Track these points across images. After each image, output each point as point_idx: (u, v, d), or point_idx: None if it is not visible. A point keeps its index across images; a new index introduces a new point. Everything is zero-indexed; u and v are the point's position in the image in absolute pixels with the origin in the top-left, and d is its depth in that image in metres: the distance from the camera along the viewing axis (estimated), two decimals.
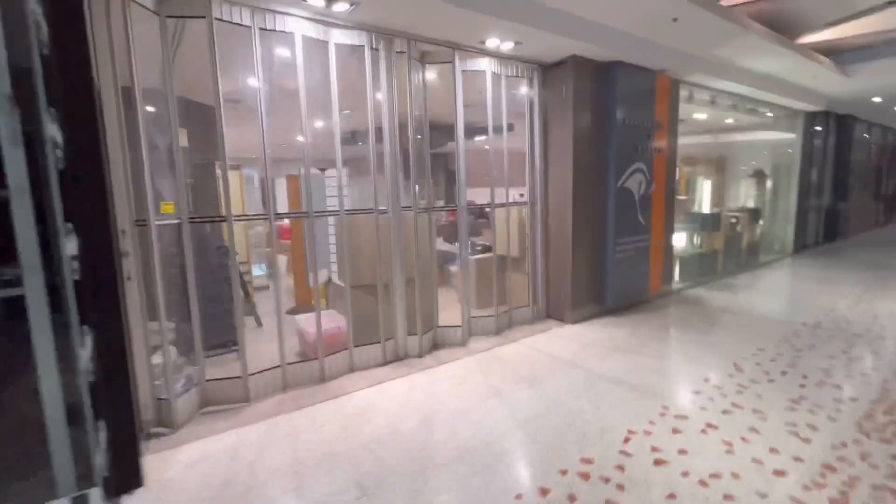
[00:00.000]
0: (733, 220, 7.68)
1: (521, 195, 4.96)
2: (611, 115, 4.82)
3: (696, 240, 7.22)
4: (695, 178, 9.45)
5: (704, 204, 9.64)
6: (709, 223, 6.98)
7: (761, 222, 8.88)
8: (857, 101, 8.87)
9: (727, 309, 5.35)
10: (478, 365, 3.87)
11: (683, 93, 6.16)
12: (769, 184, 9.16)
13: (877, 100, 8.74)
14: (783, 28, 5.74)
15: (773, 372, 3.56)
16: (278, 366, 3.41)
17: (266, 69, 3.19)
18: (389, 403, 3.21)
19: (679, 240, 7.45)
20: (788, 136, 8.87)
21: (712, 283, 6.79)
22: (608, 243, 5.02)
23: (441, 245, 6.68)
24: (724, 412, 2.96)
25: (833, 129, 10.56)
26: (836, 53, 6.87)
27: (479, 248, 5.86)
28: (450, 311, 4.62)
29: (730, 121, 8.92)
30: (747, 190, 9.39)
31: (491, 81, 4.32)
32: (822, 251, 9.49)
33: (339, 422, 2.98)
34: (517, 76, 4.59)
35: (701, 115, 8.25)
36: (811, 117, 8.97)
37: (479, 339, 4.51)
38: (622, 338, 4.44)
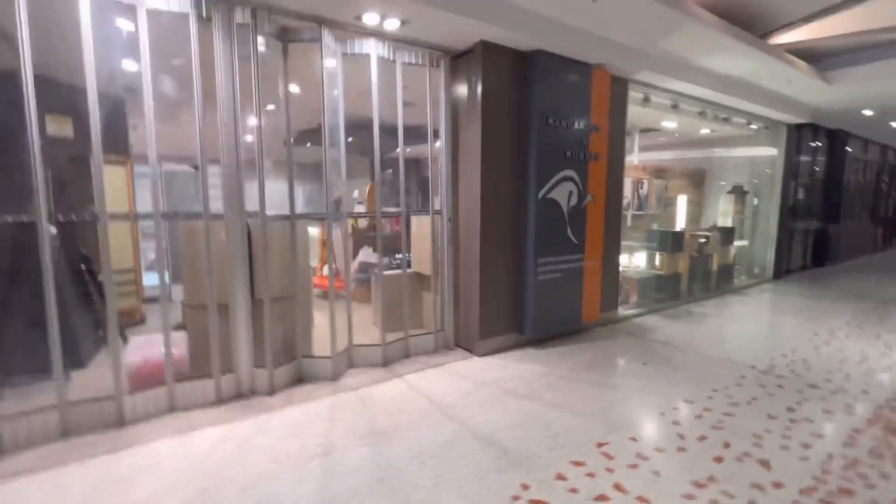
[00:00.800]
0: (702, 240, 6.92)
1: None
2: (532, 114, 4.13)
3: (658, 260, 6.46)
4: (670, 192, 8.71)
5: (680, 221, 8.89)
6: (668, 242, 6.23)
7: (737, 243, 8.10)
8: (847, 114, 8.12)
9: (672, 343, 4.58)
10: (332, 409, 3.15)
11: (636, 94, 5.47)
12: (749, 202, 8.39)
13: (868, 113, 7.99)
14: (750, 24, 5.05)
15: (690, 436, 2.80)
16: (54, 406, 2.70)
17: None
18: (178, 463, 2.49)
19: (638, 260, 6.71)
20: (770, 151, 8.11)
21: (670, 309, 6.01)
22: (528, 263, 4.29)
23: (370, 257, 5.98)
24: (597, 499, 2.21)
25: (823, 145, 9.79)
26: (817, 59, 6.15)
27: (398, 263, 5.15)
28: (361, 335, 3.91)
29: (706, 131, 8.20)
30: (725, 207, 8.62)
31: (378, 68, 3.65)
32: (808, 277, 8.67)
33: (84, 491, 2.26)
34: (417, 64, 3.91)
35: (670, 123, 7.55)
36: (795, 130, 8.22)
37: (360, 372, 3.79)
38: (530, 377, 3.70)
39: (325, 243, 6.13)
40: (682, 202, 8.55)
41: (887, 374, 3.78)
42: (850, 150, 10.78)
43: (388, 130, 4.01)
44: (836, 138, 9.83)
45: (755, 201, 8.30)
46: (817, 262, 9.90)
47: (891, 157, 12.86)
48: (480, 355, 4.17)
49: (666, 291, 6.30)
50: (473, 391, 3.44)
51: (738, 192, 8.39)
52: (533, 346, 4.45)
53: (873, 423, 2.95)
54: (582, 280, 4.66)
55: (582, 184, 4.50)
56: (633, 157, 8.59)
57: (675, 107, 6.02)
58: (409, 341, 4.14)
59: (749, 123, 7.41)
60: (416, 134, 4.16)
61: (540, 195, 4.18)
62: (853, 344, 4.57)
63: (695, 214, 8.94)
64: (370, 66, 3.62)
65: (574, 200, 4.46)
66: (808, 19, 5.06)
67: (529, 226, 4.24)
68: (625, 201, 7.99)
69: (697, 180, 9.07)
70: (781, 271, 8.46)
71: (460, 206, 4.22)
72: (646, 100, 5.62)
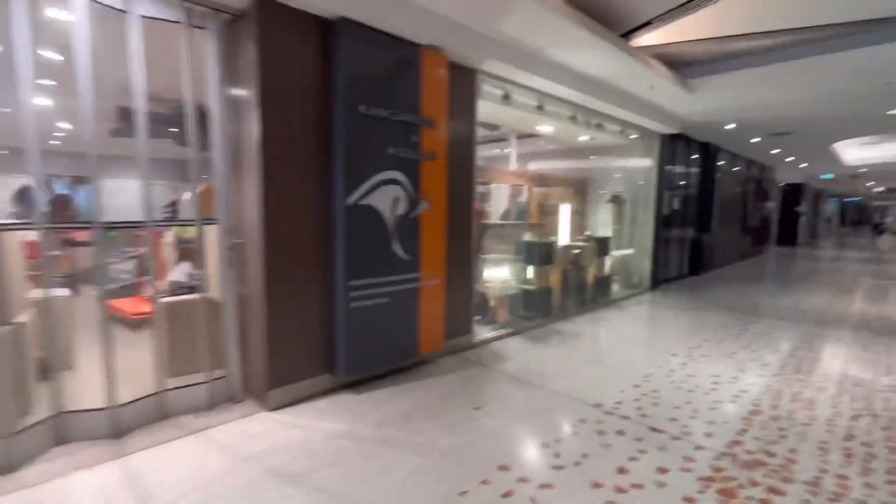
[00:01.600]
0: (576, 252, 6.54)
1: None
2: (337, 100, 3.27)
3: (531, 274, 5.93)
4: (552, 200, 8.37)
5: (563, 230, 8.58)
6: (536, 255, 5.71)
7: (617, 253, 7.93)
8: (713, 127, 8.32)
9: (521, 376, 3.94)
10: None
11: (492, 89, 4.86)
12: (628, 211, 8.29)
13: (730, 127, 8.24)
14: (607, 21, 4.64)
15: None
16: None
17: None
18: None
19: (505, 275, 6.13)
20: (645, 161, 8.07)
21: (538, 329, 5.47)
22: (337, 287, 3.41)
23: (183, 275, 4.75)
24: None
25: (696, 158, 10.13)
26: (679, 67, 6.02)
27: (186, 287, 4.01)
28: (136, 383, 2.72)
29: (585, 139, 7.96)
30: (604, 217, 8.48)
31: (89, 19, 2.56)
32: (684, 286, 8.78)
33: None
34: (168, 21, 2.88)
35: (546, 128, 7.15)
36: (669, 141, 8.28)
37: (66, 453, 2.63)
38: (320, 441, 2.79)
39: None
40: (565, 211, 8.26)
41: (732, 407, 3.39)
42: (721, 162, 11.39)
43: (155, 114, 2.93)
44: (707, 151, 10.24)
45: (630, 211, 8.21)
46: (693, 270, 10.20)
47: (755, 170, 13.94)
48: (272, 409, 3.20)
49: (536, 308, 5.77)
50: (221, 475, 2.45)
51: (617, 202, 8.26)
52: (350, 389, 3.56)
53: (708, 485, 2.41)
54: (417, 303, 3.87)
55: (413, 188, 3.72)
56: (511, 163, 8.16)
57: (540, 108, 5.53)
58: (168, 396, 3.05)
59: (623, 131, 7.24)
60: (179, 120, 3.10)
61: (350, 201, 3.32)
62: (707, 366, 4.24)
63: (578, 224, 8.72)
64: (76, 16, 2.52)
65: (402, 208, 3.66)
66: (664, 19, 4.77)
67: (337, 240, 3.36)
68: (500, 210, 7.51)
69: (580, 189, 8.88)
70: (658, 281, 8.46)
71: (245, 216, 3.23)
72: (505, 97, 5.04)
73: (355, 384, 3.63)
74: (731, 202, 12.56)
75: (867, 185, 28.03)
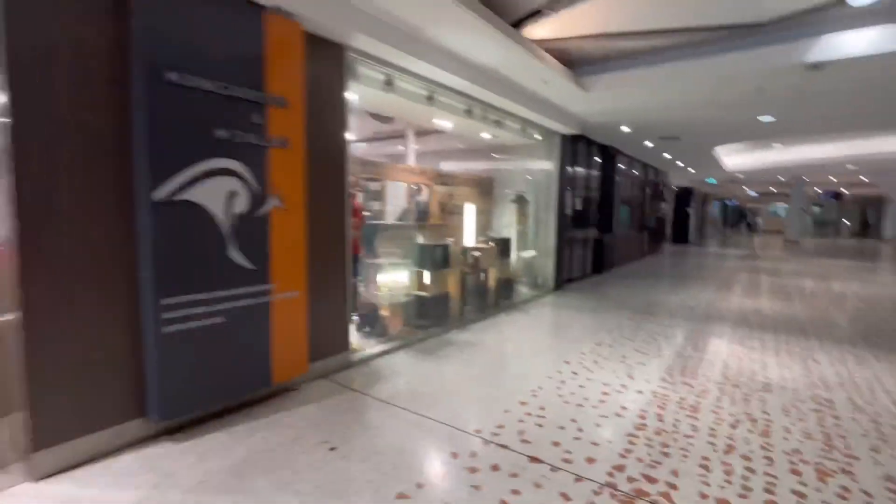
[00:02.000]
0: (476, 254, 6.20)
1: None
2: (136, 63, 2.51)
3: (423, 280, 5.45)
4: (456, 200, 8.01)
5: (468, 231, 8.25)
6: (431, 258, 5.25)
7: (523, 254, 7.76)
8: (609, 129, 8.49)
9: (398, 401, 3.41)
10: None
11: (371, 72, 4.30)
12: (532, 212, 8.17)
13: (626, 130, 8.46)
14: (494, 3, 4.29)
15: None
16: None
17: None
18: None
19: (399, 281, 5.61)
20: (548, 161, 8.00)
21: (431, 339, 5.01)
22: (145, 306, 2.64)
23: None
24: None
25: (597, 160, 10.39)
26: (575, 65, 5.91)
27: None
28: None
29: (487, 137, 7.70)
30: (508, 218, 8.31)
31: None
32: (587, 285, 8.88)
33: None
34: None
35: (444, 123, 6.75)
36: (570, 142, 8.30)
37: None
38: None
39: None
40: (469, 212, 7.94)
41: (618, 423, 3.14)
42: (621, 166, 11.88)
43: None
44: (607, 154, 10.56)
45: (534, 211, 8.10)
46: (596, 269, 10.45)
47: (651, 174, 14.85)
48: (40, 478, 2.35)
49: (432, 316, 5.31)
50: None
51: (521, 202, 8.12)
52: (171, 437, 2.79)
53: None
54: (268, 321, 3.19)
55: (257, 181, 3.04)
56: (410, 160, 7.68)
57: (431, 98, 5.08)
58: None
59: (524, 130, 7.05)
60: None
61: (160, 196, 2.57)
62: (598, 374, 4.03)
63: (483, 225, 8.46)
64: None
65: (242, 206, 2.97)
66: (553, 6, 4.52)
67: (142, 247, 2.59)
68: (398, 210, 7.03)
69: (485, 189, 8.65)
70: (562, 281, 8.46)
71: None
72: (388, 83, 4.51)
73: (180, 429, 2.86)
74: (631, 203, 13.20)
75: (742, 188, 31.63)
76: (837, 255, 16.63)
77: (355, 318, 5.04)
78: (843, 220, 35.54)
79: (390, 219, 6.63)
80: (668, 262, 13.85)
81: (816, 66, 4.57)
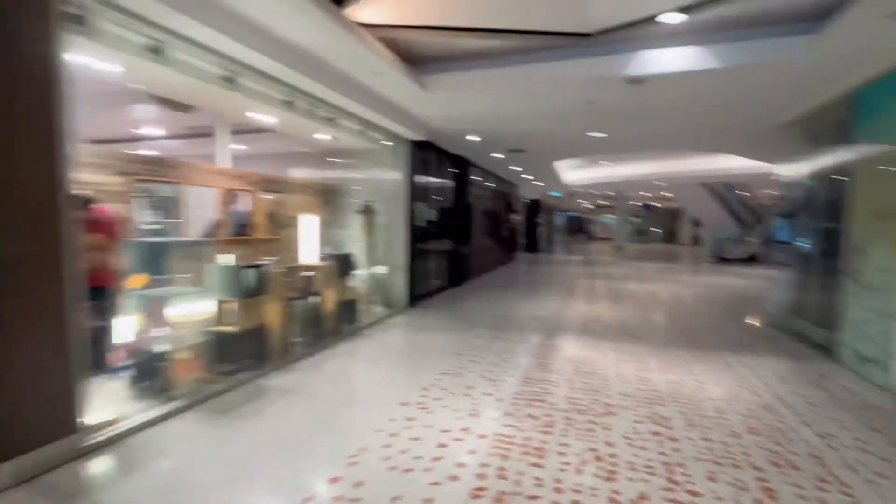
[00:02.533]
0: (308, 274, 5.20)
1: None
2: None
3: (231, 311, 4.26)
4: (290, 210, 6.87)
5: (307, 248, 7.14)
6: (235, 283, 4.12)
7: (363, 272, 6.95)
8: (459, 137, 8.24)
9: None
10: None
11: (125, 32, 3.09)
12: (381, 223, 7.45)
13: (474, 138, 8.31)
14: None
15: None
16: None
17: None
18: None
19: (200, 312, 4.34)
20: (396, 169, 7.38)
21: (240, 387, 3.87)
22: None
23: None
24: None
25: (451, 170, 10.18)
26: (416, 62, 5.36)
27: None
28: None
29: (325, 138, 6.76)
30: (354, 231, 7.47)
31: None
32: (443, 300, 8.45)
33: None
34: None
35: (266, 118, 5.63)
36: (420, 150, 7.82)
37: None
38: None
39: None
40: (307, 224, 6.86)
41: (449, 494, 2.49)
42: (476, 177, 11.95)
43: None
44: (461, 164, 10.43)
45: (384, 223, 7.40)
46: (453, 282, 10.19)
47: (504, 186, 15.46)
48: None
49: (242, 357, 4.16)
50: None
51: (368, 213, 7.34)
52: None
53: None
54: None
55: None
56: (224, 161, 6.37)
57: (230, 80, 3.98)
58: None
59: (365, 132, 6.29)
60: None
61: None
62: (439, 416, 3.39)
63: (326, 238, 7.46)
64: None
65: None
66: None
67: None
68: (205, 221, 5.69)
69: (330, 198, 7.68)
70: (416, 297, 7.88)
71: None
72: (156, 50, 3.32)
73: None
74: (486, 214, 13.44)
75: (580, 201, 35.80)
76: (653, 259, 19.45)
77: (123, 370, 3.69)
78: (656, 228, 42.71)
79: (194, 234, 5.24)
80: (521, 270, 14.46)
81: (636, 81, 4.71)
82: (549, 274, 13.28)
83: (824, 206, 5.40)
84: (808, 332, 5.52)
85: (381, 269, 7.24)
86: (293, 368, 4.46)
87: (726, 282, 11.76)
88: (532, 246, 24.49)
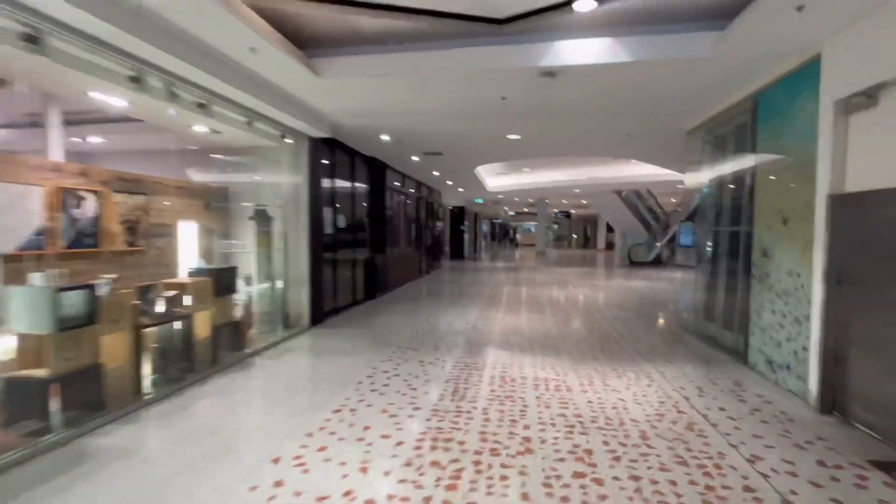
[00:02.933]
0: (167, 296, 4.20)
1: None
2: None
3: (52, 346, 3.18)
4: (162, 216, 5.74)
5: (185, 260, 6.04)
6: (46, 312, 3.08)
7: (253, 288, 6.00)
8: (367, 135, 7.54)
9: None
10: None
11: None
12: (279, 231, 6.52)
13: (386, 138, 7.67)
14: None
15: None
16: None
17: None
18: None
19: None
20: (297, 169, 6.50)
21: (53, 451, 2.83)
22: None
23: None
24: None
25: (365, 173, 9.44)
26: (309, 45, 4.60)
27: None
28: None
29: (203, 130, 5.73)
30: (244, 240, 6.47)
31: None
32: (355, 315, 7.65)
33: None
34: None
35: (114, 99, 4.55)
36: (328, 151, 7.01)
37: None
38: None
39: None
40: (189, 232, 5.77)
41: None
42: (396, 183, 11.29)
43: None
44: (375, 167, 9.72)
45: (283, 231, 6.48)
46: (369, 294, 9.41)
47: (425, 192, 14.95)
48: None
49: (64, 408, 3.11)
50: None
51: (262, 219, 6.38)
52: None
53: None
54: None
55: None
56: (55, 151, 5.14)
57: (33, 39, 2.97)
58: None
59: (251, 123, 5.37)
60: None
61: None
62: (317, 475, 2.65)
63: (207, 249, 6.37)
64: None
65: None
66: None
67: None
68: (29, 227, 4.43)
69: (217, 202, 6.60)
70: (323, 314, 7.01)
71: None
72: None
73: None
74: (408, 221, 12.81)
75: (505, 209, 36.51)
76: (572, 264, 20.04)
77: None
78: (574, 234, 44.85)
79: (10, 244, 4.02)
80: (445, 278, 14.00)
81: (549, 73, 4.35)
82: (473, 282, 12.95)
83: (730, 211, 5.45)
84: (718, 336, 5.53)
85: (274, 285, 6.30)
86: (139, 417, 3.46)
87: (638, 285, 12.17)
88: (458, 253, 24.30)
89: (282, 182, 6.53)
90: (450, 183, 14.59)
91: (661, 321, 7.31)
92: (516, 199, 28.90)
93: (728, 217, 5.50)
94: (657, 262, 19.17)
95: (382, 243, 10.18)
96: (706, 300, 5.98)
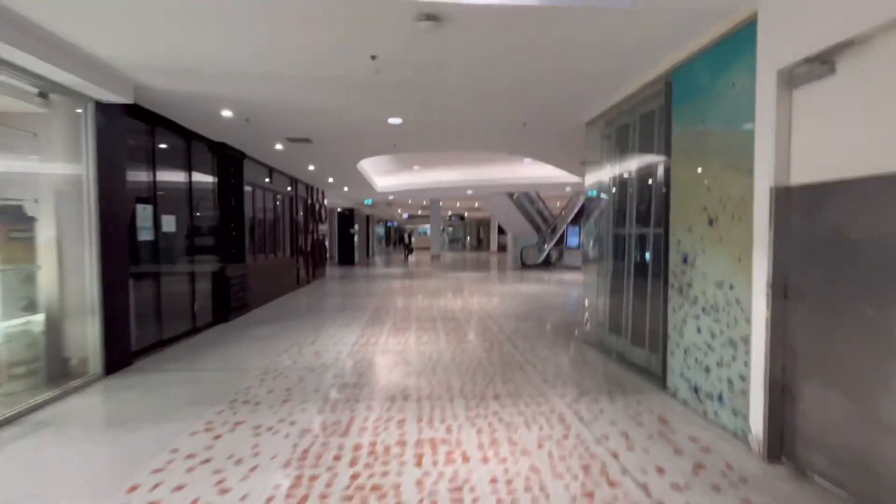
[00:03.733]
0: None
1: None
2: None
3: None
4: None
5: None
6: None
7: (22, 320, 3.91)
8: (200, 108, 5.68)
9: None
10: None
11: None
12: (47, 239, 4.39)
13: (228, 114, 5.87)
14: None
15: None
16: None
17: None
18: None
19: None
20: (69, 148, 4.45)
21: None
22: None
23: None
24: None
25: (206, 162, 7.42)
26: None
27: None
28: None
29: None
30: None
31: None
32: (185, 350, 5.69)
33: None
34: None
35: None
36: (124, 123, 5.02)
37: None
38: None
39: None
40: None
41: None
42: (267, 179, 9.30)
43: None
44: (226, 155, 7.73)
45: (56, 238, 4.39)
46: (219, 316, 7.41)
47: (303, 190, 13.03)
48: None
49: None
50: None
51: (11, 219, 4.22)
52: None
53: None
54: None
55: None
56: None
57: None
58: None
59: None
60: None
61: None
62: None
63: None
64: None
65: None
66: None
67: None
68: None
69: None
70: (128, 354, 5.00)
71: None
72: None
73: None
74: (278, 224, 10.84)
75: (398, 211, 35.32)
76: (466, 267, 19.50)
77: None
78: (467, 236, 45.35)
79: None
80: (328, 288, 12.24)
81: (432, 18, 3.14)
82: (359, 291, 11.41)
83: (637, 211, 4.80)
84: (626, 352, 4.85)
85: (36, 319, 4.19)
86: None
87: (532, 289, 11.74)
88: (347, 258, 22.42)
89: (52, 167, 4.42)
90: (331, 180, 12.86)
91: (561, 334, 6.61)
92: (410, 200, 27.87)
93: (634, 218, 4.84)
94: (546, 264, 19.49)
95: (240, 251, 8.21)
96: (610, 310, 5.32)
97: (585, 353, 5.47)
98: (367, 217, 27.68)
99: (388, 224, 45.61)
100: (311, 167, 10.36)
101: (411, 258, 26.37)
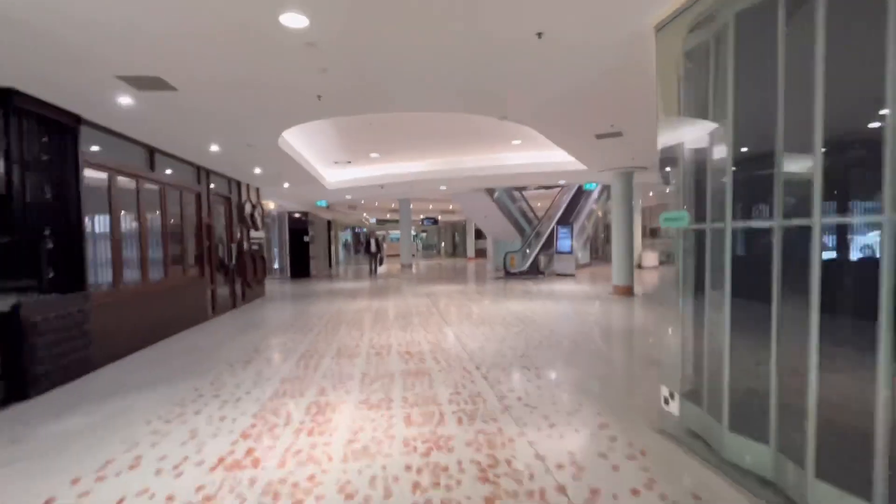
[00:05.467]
0: None
1: None
2: None
3: None
4: None
5: None
6: None
7: None
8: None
9: None
10: None
11: None
12: None
13: (126, 101, 2.82)
14: None
15: None
16: None
17: None
18: None
19: None
20: None
21: None
22: None
23: None
24: None
25: (31, 139, 4.27)
26: None
27: None
28: None
29: None
30: None
31: None
32: None
33: None
34: None
35: None
36: None
37: None
38: None
39: None
40: None
41: None
42: (136, 163, 6.11)
43: None
44: (28, 117, 4.59)
45: None
46: (9, 393, 4.23)
47: (220, 185, 9.85)
48: None
49: None
50: None
51: None
52: None
53: None
54: None
55: None
56: None
57: None
58: None
59: None
60: None
61: None
62: None
63: None
64: None
65: None
66: None
67: None
68: None
69: None
70: None
71: None
72: None
73: None
74: (172, 229, 7.67)
75: (364, 215, 32.13)
76: (440, 278, 16.55)
77: None
78: (442, 241, 42.50)
79: None
80: (254, 317, 9.03)
81: None
82: (296, 321, 8.30)
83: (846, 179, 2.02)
84: (800, 491, 2.07)
85: None
86: None
87: (527, 310, 8.90)
88: (302, 271, 19.14)
89: None
90: (259, 171, 9.72)
91: (612, 410, 3.79)
92: (377, 203, 24.74)
93: (820, 194, 2.07)
94: (534, 272, 16.76)
95: (72, 273, 5.06)
96: (740, 386, 2.52)
97: (682, 474, 2.64)
98: (329, 223, 24.44)
99: (357, 230, 42.31)
100: (215, 147, 7.24)
101: (381, 269, 23.18)
